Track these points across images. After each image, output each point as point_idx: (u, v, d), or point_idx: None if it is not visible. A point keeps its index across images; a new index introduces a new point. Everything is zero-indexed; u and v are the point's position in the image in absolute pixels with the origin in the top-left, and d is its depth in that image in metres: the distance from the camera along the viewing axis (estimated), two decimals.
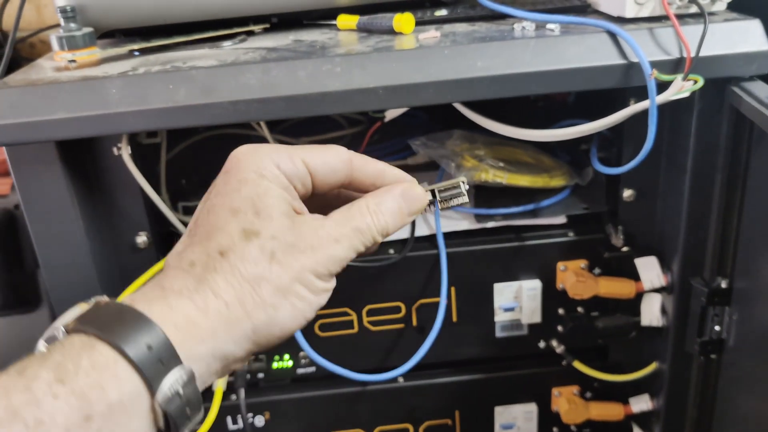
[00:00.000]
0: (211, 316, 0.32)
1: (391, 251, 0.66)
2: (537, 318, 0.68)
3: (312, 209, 0.37)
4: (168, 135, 0.66)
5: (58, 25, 0.55)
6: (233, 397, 0.68)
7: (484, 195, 0.67)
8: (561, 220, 0.67)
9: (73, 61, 0.54)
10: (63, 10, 0.54)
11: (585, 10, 0.59)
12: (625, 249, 0.64)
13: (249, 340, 0.34)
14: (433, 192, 0.40)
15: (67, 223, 0.56)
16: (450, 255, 0.64)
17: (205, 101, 0.50)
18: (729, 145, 0.54)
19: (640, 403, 0.69)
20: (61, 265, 0.57)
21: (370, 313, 0.67)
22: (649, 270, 0.63)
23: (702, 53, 0.50)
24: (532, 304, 0.67)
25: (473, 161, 0.65)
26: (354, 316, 0.67)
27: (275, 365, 0.69)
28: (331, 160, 0.37)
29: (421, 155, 0.69)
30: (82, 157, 0.57)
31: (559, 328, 0.68)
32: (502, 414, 0.73)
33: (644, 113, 0.51)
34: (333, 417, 0.71)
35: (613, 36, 0.51)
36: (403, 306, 0.67)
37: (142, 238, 0.61)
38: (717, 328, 0.59)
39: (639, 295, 0.65)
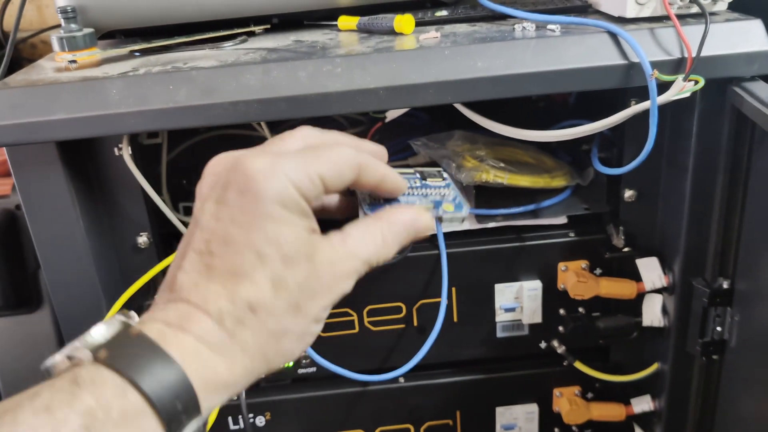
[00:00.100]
0: (236, 372, 0.34)
1: None
2: (538, 318, 0.68)
3: None
4: (169, 135, 0.66)
5: (59, 26, 0.55)
6: (234, 397, 0.68)
7: (484, 195, 0.67)
8: (562, 220, 0.66)
9: (74, 61, 0.54)
10: (64, 11, 0.54)
11: (586, 10, 0.59)
12: (626, 249, 0.64)
13: (258, 377, 0.36)
14: (439, 218, 0.43)
15: (67, 224, 0.56)
16: (451, 255, 0.64)
17: (205, 102, 0.50)
18: (730, 146, 0.54)
19: (642, 404, 0.69)
20: (61, 266, 0.57)
21: (370, 313, 0.67)
22: (651, 270, 0.63)
23: (703, 53, 0.49)
24: (533, 304, 0.67)
25: (474, 161, 0.65)
26: (355, 317, 0.67)
27: None
28: (344, 171, 0.37)
29: (422, 156, 0.69)
30: (82, 157, 0.57)
31: (560, 328, 0.68)
32: (504, 414, 0.73)
33: (645, 114, 0.51)
34: (334, 417, 0.71)
35: (613, 36, 0.51)
36: (403, 306, 0.67)
37: (143, 239, 0.61)
38: (718, 328, 0.59)
39: (640, 296, 0.64)
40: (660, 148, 0.59)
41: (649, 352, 0.68)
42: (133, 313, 0.34)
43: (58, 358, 0.31)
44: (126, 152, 0.57)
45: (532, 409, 0.72)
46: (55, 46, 0.54)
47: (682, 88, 0.49)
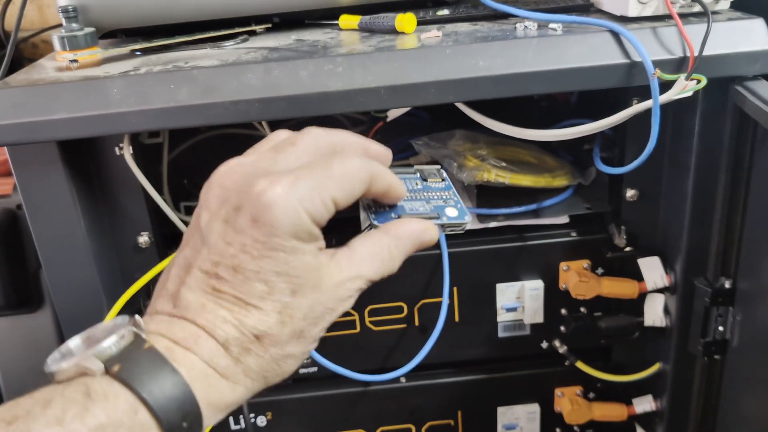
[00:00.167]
0: (238, 393, 0.35)
1: None
2: (539, 318, 0.68)
3: None
4: (170, 135, 0.66)
5: (60, 25, 0.55)
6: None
7: (486, 195, 0.66)
8: (563, 220, 0.66)
9: (75, 61, 0.54)
10: (65, 10, 0.54)
11: (588, 9, 0.59)
12: (627, 249, 0.64)
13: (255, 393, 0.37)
14: (442, 226, 0.43)
15: (68, 223, 0.56)
16: (452, 255, 0.64)
17: (206, 101, 0.50)
18: (732, 145, 0.54)
19: (644, 404, 0.69)
20: (62, 265, 0.57)
21: (372, 313, 0.67)
22: (652, 270, 0.63)
23: (705, 52, 0.49)
24: (534, 304, 0.67)
25: (475, 161, 0.65)
26: (356, 316, 0.67)
27: None
28: (356, 187, 0.37)
29: (424, 155, 0.69)
30: (83, 157, 0.57)
31: (562, 328, 0.68)
32: (505, 414, 0.72)
33: (647, 113, 0.50)
34: (335, 417, 0.71)
35: (615, 35, 0.51)
36: (405, 306, 0.67)
37: (143, 238, 0.61)
38: (720, 328, 0.58)
39: (642, 296, 0.64)
40: (662, 148, 0.59)
41: (650, 351, 0.68)
42: (139, 320, 0.34)
43: (64, 365, 0.31)
44: (127, 152, 0.57)
45: (534, 409, 0.72)
46: (56, 45, 0.54)
47: (684, 87, 0.49)
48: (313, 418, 0.71)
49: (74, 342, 0.33)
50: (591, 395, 0.71)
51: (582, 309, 0.67)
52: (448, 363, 0.71)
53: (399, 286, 0.66)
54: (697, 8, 0.53)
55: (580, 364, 0.68)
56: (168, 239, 0.64)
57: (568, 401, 0.70)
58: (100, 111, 0.50)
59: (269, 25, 0.64)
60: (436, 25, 0.60)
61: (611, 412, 0.69)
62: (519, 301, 0.67)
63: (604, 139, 0.65)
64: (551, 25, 0.54)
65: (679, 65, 0.51)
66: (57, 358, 0.32)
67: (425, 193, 0.45)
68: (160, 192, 0.60)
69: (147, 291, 0.61)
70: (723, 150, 0.55)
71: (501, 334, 0.69)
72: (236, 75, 0.51)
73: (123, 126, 0.51)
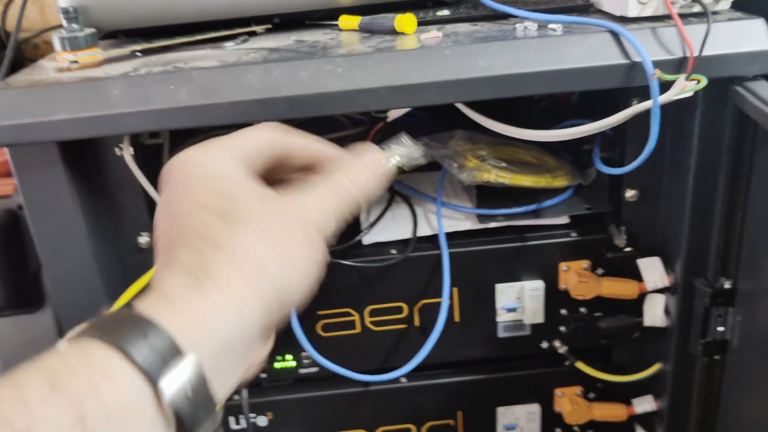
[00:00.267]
0: (212, 297, 0.31)
1: (393, 251, 0.65)
2: (539, 318, 0.68)
3: None
4: (171, 135, 0.66)
5: (61, 26, 0.55)
6: (236, 396, 0.68)
7: (486, 195, 0.66)
8: (563, 220, 0.66)
9: (75, 61, 0.54)
10: (65, 11, 0.54)
11: (587, 9, 0.59)
12: (627, 249, 0.64)
13: (262, 316, 0.32)
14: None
15: (69, 224, 0.56)
16: (452, 255, 0.64)
17: (206, 102, 0.50)
18: (732, 145, 0.54)
19: (644, 404, 0.69)
20: (63, 266, 0.57)
21: (372, 313, 0.67)
22: (652, 270, 0.63)
23: (705, 53, 0.49)
24: (534, 304, 0.67)
25: (476, 161, 0.65)
26: (356, 317, 0.67)
27: (278, 365, 0.69)
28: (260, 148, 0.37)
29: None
30: (84, 157, 0.57)
31: (562, 328, 0.68)
32: (505, 414, 0.73)
33: (647, 113, 0.50)
34: (335, 417, 0.71)
35: (615, 36, 0.51)
36: (405, 306, 0.67)
37: (144, 239, 0.61)
38: (721, 329, 0.58)
39: (642, 296, 0.64)
40: (662, 148, 0.59)
41: (651, 352, 0.68)
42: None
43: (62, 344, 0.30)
44: (127, 152, 0.57)
45: (534, 409, 0.72)
46: (57, 46, 0.54)
47: (683, 88, 0.49)
48: (314, 418, 0.71)
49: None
50: (591, 395, 0.71)
51: (582, 309, 0.67)
52: (448, 363, 0.71)
53: (399, 286, 0.66)
54: (697, 8, 0.53)
55: (580, 365, 0.68)
56: None
57: (568, 401, 0.70)
58: (100, 112, 0.50)
59: (269, 26, 0.64)
60: (436, 25, 0.60)
61: (611, 412, 0.69)
62: (519, 301, 0.67)
63: (604, 140, 0.65)
64: (551, 26, 0.54)
65: (678, 65, 0.51)
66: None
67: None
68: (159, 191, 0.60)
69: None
70: (723, 150, 0.55)
71: (501, 334, 0.69)
72: (236, 76, 0.51)
73: (123, 127, 0.51)
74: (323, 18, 0.64)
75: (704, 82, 0.49)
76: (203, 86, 0.50)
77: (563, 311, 0.68)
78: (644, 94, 0.50)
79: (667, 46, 0.51)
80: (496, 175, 0.64)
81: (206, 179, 0.34)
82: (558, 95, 0.76)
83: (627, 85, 0.51)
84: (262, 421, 0.70)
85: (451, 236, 0.65)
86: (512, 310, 0.68)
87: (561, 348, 0.68)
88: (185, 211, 0.33)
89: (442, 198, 0.68)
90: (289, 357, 0.69)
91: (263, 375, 0.69)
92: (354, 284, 0.65)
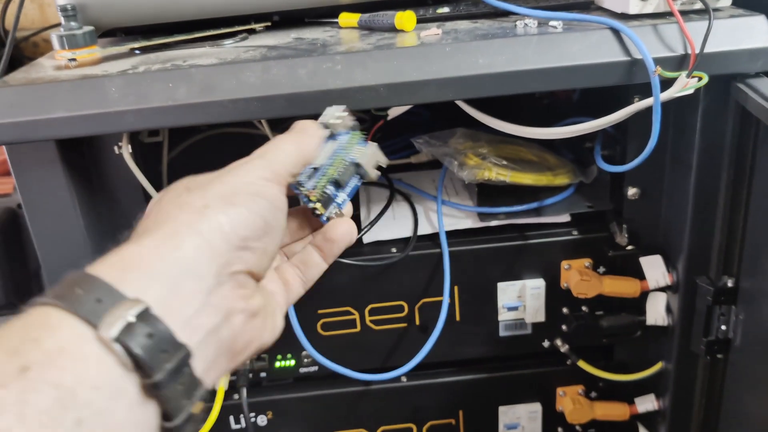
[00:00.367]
0: (148, 247, 0.32)
1: (394, 250, 0.65)
2: (541, 317, 0.67)
3: None
4: (170, 133, 0.66)
5: (59, 24, 0.55)
6: (235, 396, 0.68)
7: (487, 193, 0.66)
8: (565, 218, 0.66)
9: (74, 59, 0.54)
10: (64, 9, 0.54)
11: (588, 6, 0.58)
12: (629, 247, 0.64)
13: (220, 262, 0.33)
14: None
15: (68, 223, 0.56)
16: (453, 254, 0.64)
17: (205, 99, 0.50)
18: (734, 143, 0.54)
19: (646, 403, 0.68)
20: (62, 265, 0.57)
21: (372, 312, 0.67)
22: (654, 269, 0.63)
23: (707, 50, 0.49)
24: (535, 303, 0.66)
25: (476, 159, 0.65)
26: (356, 316, 0.67)
27: (278, 364, 0.69)
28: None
29: (424, 153, 0.69)
30: (82, 156, 0.57)
31: (564, 327, 0.68)
32: (506, 414, 0.72)
33: (648, 111, 0.50)
34: (336, 416, 0.71)
35: (616, 33, 0.51)
36: (405, 305, 0.67)
37: None
38: (723, 327, 0.58)
39: (644, 294, 0.64)
40: (663, 146, 0.59)
41: (653, 351, 0.68)
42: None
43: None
44: (126, 150, 0.57)
45: (535, 408, 0.72)
46: (55, 44, 0.54)
47: (685, 85, 0.49)
48: (314, 417, 0.71)
49: None
50: (593, 394, 0.71)
51: (583, 308, 0.67)
52: (449, 362, 0.71)
53: (399, 285, 0.66)
54: (698, 5, 0.52)
55: (581, 363, 0.68)
56: None
57: (570, 400, 0.69)
58: (98, 110, 0.50)
59: (269, 24, 0.64)
60: (435, 22, 0.59)
61: (613, 411, 0.69)
62: (520, 300, 0.67)
63: (605, 137, 0.65)
64: (551, 23, 0.54)
65: (680, 63, 0.50)
66: None
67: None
68: (159, 191, 0.60)
69: None
70: (725, 148, 0.54)
71: (502, 333, 0.69)
72: (235, 73, 0.50)
73: (121, 125, 0.50)
74: (322, 15, 0.64)
75: (706, 79, 0.49)
76: (202, 84, 0.50)
77: (565, 310, 0.67)
78: (645, 91, 0.50)
79: (668, 43, 0.51)
80: (497, 173, 0.64)
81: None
82: (559, 93, 0.75)
83: (628, 82, 0.51)
84: (262, 420, 0.70)
85: (452, 234, 0.65)
86: (513, 308, 0.67)
87: (562, 347, 0.68)
88: (164, 202, 0.36)
89: (443, 196, 0.68)
90: (289, 356, 0.69)
91: (263, 374, 0.69)
92: (354, 283, 0.65)
